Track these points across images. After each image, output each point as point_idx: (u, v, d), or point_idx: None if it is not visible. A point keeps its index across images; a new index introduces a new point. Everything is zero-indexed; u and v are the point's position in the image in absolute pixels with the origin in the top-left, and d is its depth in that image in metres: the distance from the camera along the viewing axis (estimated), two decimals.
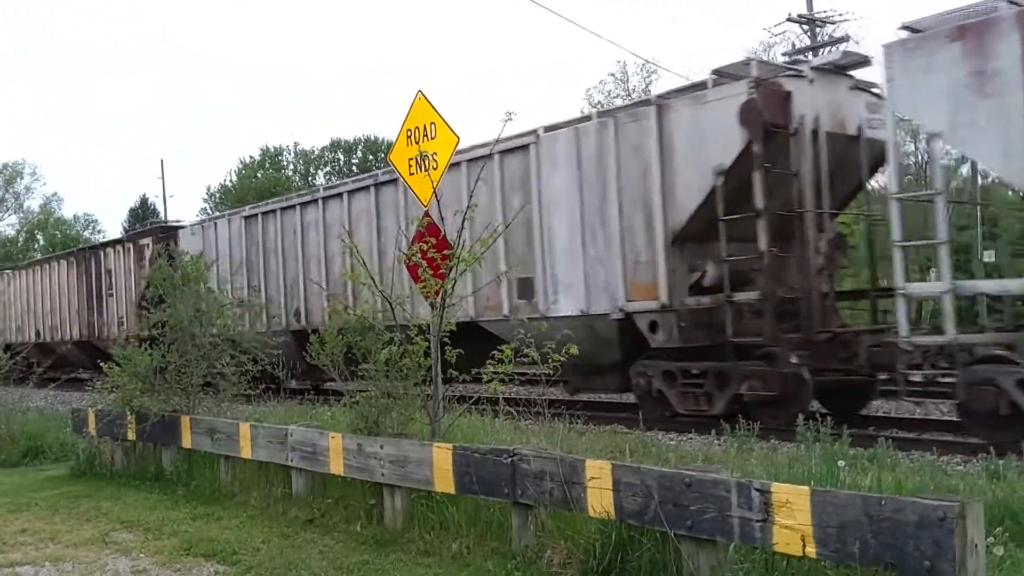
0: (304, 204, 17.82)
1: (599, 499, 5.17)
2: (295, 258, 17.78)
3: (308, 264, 17.33)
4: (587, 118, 12.47)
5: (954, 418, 10.15)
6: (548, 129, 12.74)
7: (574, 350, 6.29)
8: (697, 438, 10.14)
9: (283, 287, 18.08)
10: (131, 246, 23.23)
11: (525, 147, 12.71)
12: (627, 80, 40.75)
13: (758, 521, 4.44)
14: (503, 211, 12.65)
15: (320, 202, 16.92)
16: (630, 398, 13.07)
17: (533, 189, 12.61)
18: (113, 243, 24.86)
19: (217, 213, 20.49)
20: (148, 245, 22.09)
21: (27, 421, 14.51)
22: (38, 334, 27.69)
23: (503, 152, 12.84)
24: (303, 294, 17.35)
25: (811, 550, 4.24)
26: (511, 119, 6.34)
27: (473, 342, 11.32)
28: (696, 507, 4.68)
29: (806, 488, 4.38)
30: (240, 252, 18.75)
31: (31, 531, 7.48)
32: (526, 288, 12.71)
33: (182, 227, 22.47)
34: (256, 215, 18.94)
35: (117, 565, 6.35)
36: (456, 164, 11.88)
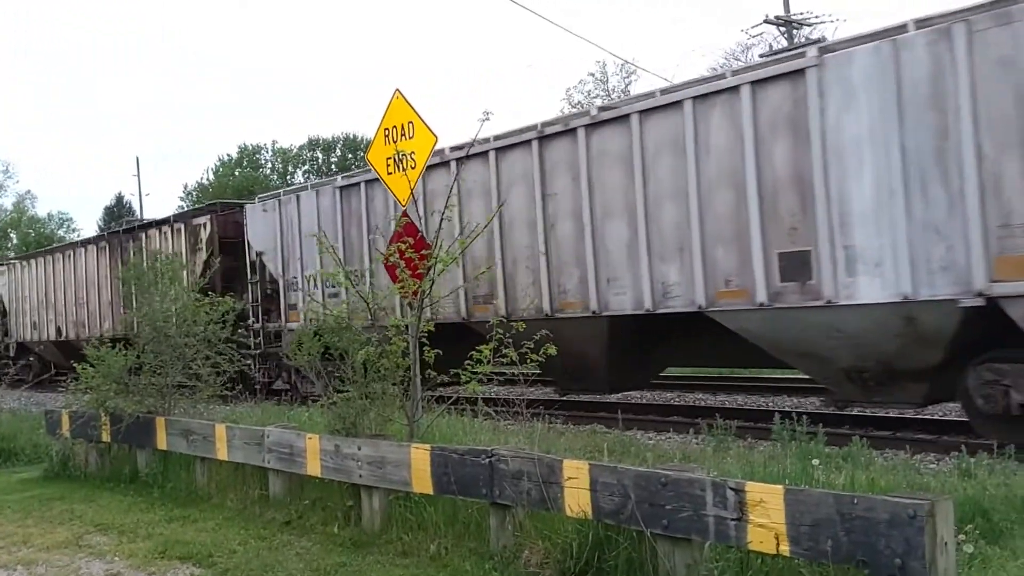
0: (432, 167, 12.04)
1: (576, 499, 5.18)
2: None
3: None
4: (903, 27, 8.58)
5: (927, 417, 10.29)
6: (829, 49, 9.23)
7: (551, 350, 6.28)
8: (675, 437, 10.20)
9: None
10: (182, 227, 19.99)
11: (795, 74, 9.10)
12: (607, 80, 40.81)
13: (733, 520, 4.47)
14: (757, 162, 9.32)
15: (452, 164, 12.86)
16: (611, 397, 13.02)
17: (812, 130, 8.91)
18: (159, 223, 21.61)
19: (299, 184, 17.91)
20: (205, 225, 19.22)
21: None
22: (59, 331, 24.69)
23: (756, 83, 9.40)
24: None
25: (785, 548, 4.28)
26: (488, 119, 6.33)
27: (700, 336, 10.37)
28: (672, 506, 4.70)
29: (779, 487, 4.41)
30: (333, 229, 14.84)
31: (2, 535, 7.40)
32: (796, 265, 9.11)
33: (248, 203, 19.22)
34: (357, 184, 14.80)
35: (91, 568, 6.29)
36: (675, 104, 10.00)
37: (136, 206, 58.01)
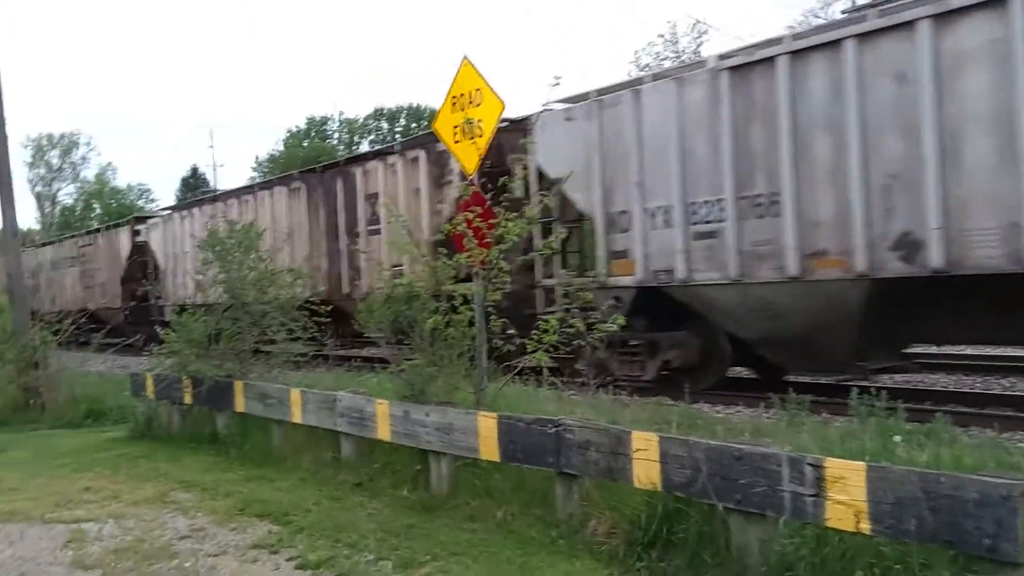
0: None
1: (645, 471, 5.14)
2: (895, 130, 8.82)
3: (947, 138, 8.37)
4: None
5: (1016, 393, 9.86)
6: None
7: (620, 321, 6.20)
8: (745, 411, 10.02)
9: (868, 187, 8.96)
10: (421, 155, 15.08)
11: None
12: (676, 42, 39.71)
13: (810, 496, 4.36)
14: None
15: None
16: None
17: None
18: (383, 153, 16.95)
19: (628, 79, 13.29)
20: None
21: (88, 384, 15.00)
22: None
23: None
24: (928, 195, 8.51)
25: (865, 526, 4.16)
26: (558, 84, 6.22)
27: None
28: (746, 481, 4.62)
29: (861, 464, 4.28)
30: (710, 134, 10.43)
31: (94, 489, 7.74)
32: None
33: (539, 112, 13.32)
34: (767, 62, 9.87)
35: (176, 523, 6.53)
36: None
37: (210, 177, 59.50)
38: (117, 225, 30.12)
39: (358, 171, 17.02)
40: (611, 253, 11.75)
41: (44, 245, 37.72)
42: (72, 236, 35.40)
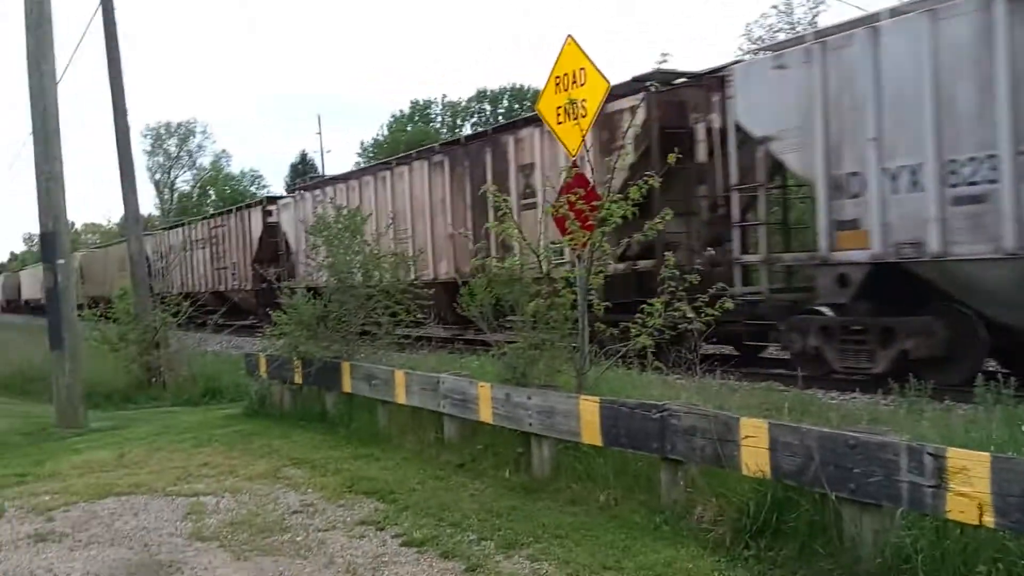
0: None
1: (754, 458, 5.01)
2: None
3: None
4: None
5: None
6: None
7: (728, 305, 6.05)
8: (861, 397, 9.65)
9: None
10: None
11: None
12: (791, 12, 38.24)
13: (930, 487, 4.17)
14: None
15: None
16: (785, 354, 12.43)
17: None
18: (531, 121, 14.92)
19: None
20: (633, 110, 11.92)
21: (205, 364, 15.73)
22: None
23: None
24: None
25: (989, 519, 3.95)
26: (665, 61, 6.08)
27: None
28: (861, 470, 4.44)
29: (986, 454, 4.06)
30: (976, 78, 8.87)
31: (212, 464, 8.07)
32: None
33: (739, 62, 12.72)
34: None
35: (288, 498, 6.75)
36: None
37: (319, 163, 61.18)
38: (249, 206, 29.75)
39: (509, 140, 15.82)
40: (836, 223, 10.10)
41: (174, 227, 37.85)
42: (204, 217, 35.23)
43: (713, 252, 10.51)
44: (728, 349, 12.49)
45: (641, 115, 12.12)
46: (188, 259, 33.19)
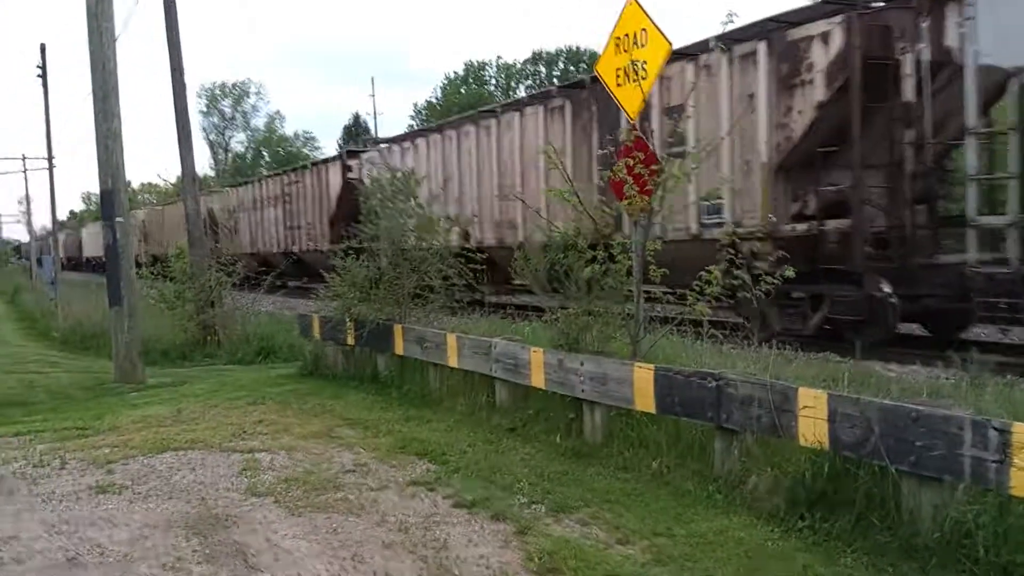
0: None
1: (812, 428, 4.94)
2: None
3: None
4: None
5: None
6: None
7: (790, 272, 5.93)
8: (921, 370, 9.43)
9: None
10: (760, 48, 11.42)
11: None
12: None
13: (994, 462, 4.08)
14: None
15: None
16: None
17: None
18: (683, 55, 12.42)
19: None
20: (824, 38, 10.59)
21: (259, 324, 16.01)
22: (467, 235, 17.09)
23: None
24: None
25: None
26: (731, 21, 5.90)
27: None
28: (922, 443, 4.35)
29: None
30: None
31: (267, 422, 8.21)
32: None
33: None
34: None
35: (342, 457, 6.84)
36: None
37: (371, 125, 61.38)
38: (326, 161, 27.54)
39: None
40: None
41: (243, 184, 36.38)
42: (276, 173, 33.30)
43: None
44: (918, 330, 11.50)
45: (838, 42, 10.22)
46: (258, 218, 32.00)
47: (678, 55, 12.34)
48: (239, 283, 16.40)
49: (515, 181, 16.30)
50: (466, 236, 16.41)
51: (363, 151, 25.29)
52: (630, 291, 6.66)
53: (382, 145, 23.35)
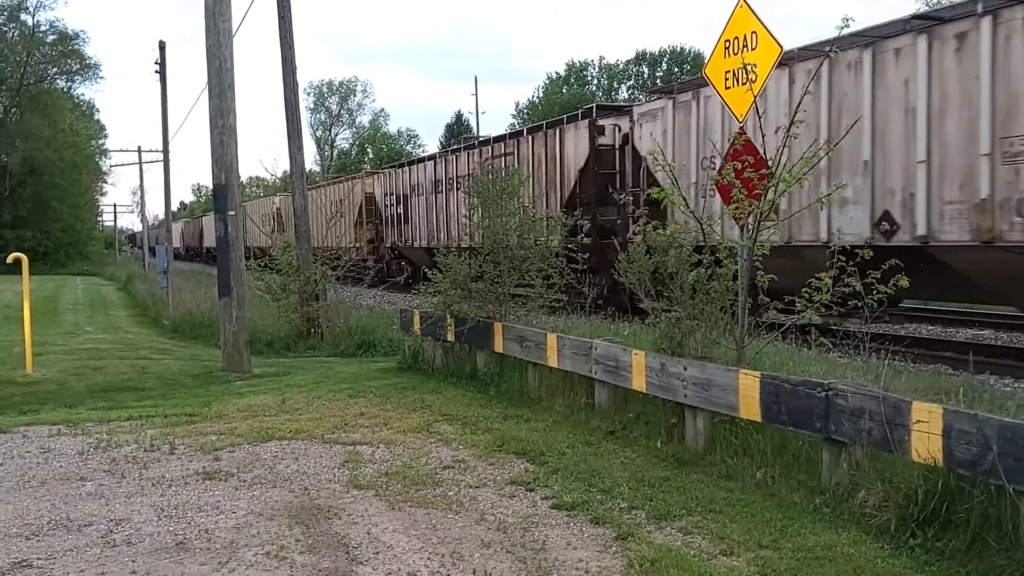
0: None
1: (925, 444, 4.74)
2: None
3: None
4: None
5: None
6: None
7: (903, 282, 5.71)
8: None
9: None
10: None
11: None
12: None
13: None
14: None
15: None
16: (957, 336, 11.69)
17: None
18: (930, 23, 10.44)
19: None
20: None
21: (360, 318, 16.42)
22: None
23: None
24: None
25: None
26: (847, 25, 5.73)
27: None
28: None
29: None
30: None
31: (367, 415, 8.39)
32: None
33: None
34: None
35: (440, 453, 6.92)
36: None
37: (473, 124, 61.98)
38: (559, 122, 20.67)
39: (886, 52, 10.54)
40: None
41: (416, 163, 29.46)
42: (468, 147, 25.89)
43: None
44: None
45: None
46: (441, 203, 25.53)
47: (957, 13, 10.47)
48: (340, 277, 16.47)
49: (864, 153, 11.61)
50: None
51: (623, 107, 19.39)
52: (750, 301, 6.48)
53: (656, 96, 16.92)
